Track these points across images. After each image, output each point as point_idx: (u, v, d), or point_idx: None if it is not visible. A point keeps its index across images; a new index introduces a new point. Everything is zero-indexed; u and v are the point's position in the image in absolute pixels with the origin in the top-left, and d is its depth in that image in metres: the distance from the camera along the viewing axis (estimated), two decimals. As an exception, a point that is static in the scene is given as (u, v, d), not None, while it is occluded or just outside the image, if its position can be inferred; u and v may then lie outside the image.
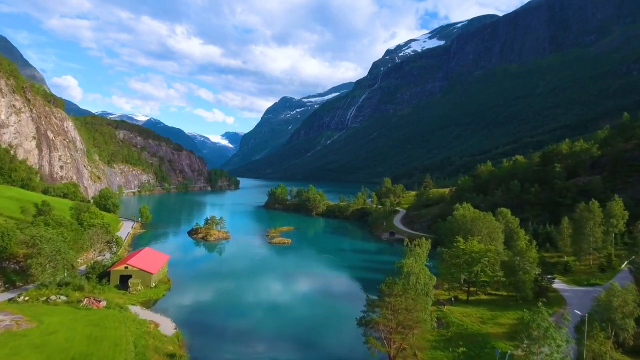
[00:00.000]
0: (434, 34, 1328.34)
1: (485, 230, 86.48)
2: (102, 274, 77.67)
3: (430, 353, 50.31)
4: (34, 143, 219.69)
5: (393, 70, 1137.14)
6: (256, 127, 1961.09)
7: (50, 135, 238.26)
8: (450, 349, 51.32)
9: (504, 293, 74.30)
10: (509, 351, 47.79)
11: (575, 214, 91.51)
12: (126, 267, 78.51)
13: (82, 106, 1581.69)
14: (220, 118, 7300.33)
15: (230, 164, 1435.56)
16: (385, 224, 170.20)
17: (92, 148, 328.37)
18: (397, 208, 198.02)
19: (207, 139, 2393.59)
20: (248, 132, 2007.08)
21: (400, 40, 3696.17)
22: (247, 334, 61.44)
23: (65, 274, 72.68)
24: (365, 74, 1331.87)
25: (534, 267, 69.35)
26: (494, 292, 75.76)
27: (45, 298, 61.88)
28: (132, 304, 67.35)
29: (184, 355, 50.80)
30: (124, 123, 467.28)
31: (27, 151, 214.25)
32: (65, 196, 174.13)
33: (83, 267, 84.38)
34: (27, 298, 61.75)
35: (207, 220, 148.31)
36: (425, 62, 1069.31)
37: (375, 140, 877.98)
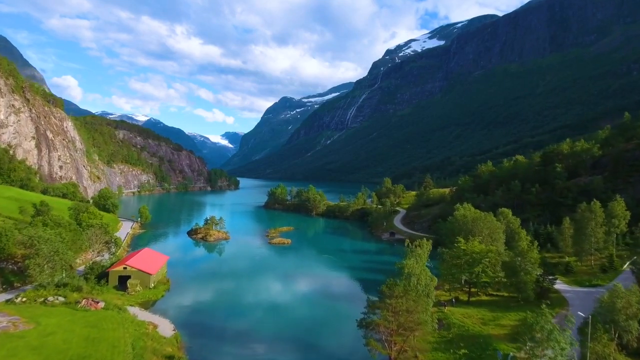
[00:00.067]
0: (434, 34, 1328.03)
1: (486, 230, 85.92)
2: (100, 275, 77.11)
3: (431, 355, 49.80)
4: (33, 143, 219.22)
5: (393, 70, 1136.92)
6: (256, 127, 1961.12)
7: (50, 135, 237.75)
8: (452, 351, 50.82)
9: (505, 294, 73.82)
10: (511, 353, 47.27)
11: (576, 214, 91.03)
12: (125, 268, 77.99)
13: (82, 106, 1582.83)
14: (220, 118, 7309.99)
15: (230, 164, 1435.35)
16: (385, 224, 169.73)
17: (92, 148, 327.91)
18: (397, 208, 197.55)
19: (207, 139, 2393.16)
20: (248, 132, 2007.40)
21: (400, 40, 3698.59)
22: (247, 335, 60.95)
23: (64, 275, 72.12)
24: (365, 74, 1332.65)
25: (535, 268, 68.86)
26: (495, 293, 75.25)
27: (43, 299, 61.33)
28: (130, 305, 66.84)
29: (182, 357, 50.30)
30: (124, 123, 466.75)
31: (27, 151, 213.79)
32: (64, 196, 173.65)
33: (82, 268, 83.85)
34: (24, 299, 61.20)
35: (206, 220, 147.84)
36: (425, 62, 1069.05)
37: (375, 140, 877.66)
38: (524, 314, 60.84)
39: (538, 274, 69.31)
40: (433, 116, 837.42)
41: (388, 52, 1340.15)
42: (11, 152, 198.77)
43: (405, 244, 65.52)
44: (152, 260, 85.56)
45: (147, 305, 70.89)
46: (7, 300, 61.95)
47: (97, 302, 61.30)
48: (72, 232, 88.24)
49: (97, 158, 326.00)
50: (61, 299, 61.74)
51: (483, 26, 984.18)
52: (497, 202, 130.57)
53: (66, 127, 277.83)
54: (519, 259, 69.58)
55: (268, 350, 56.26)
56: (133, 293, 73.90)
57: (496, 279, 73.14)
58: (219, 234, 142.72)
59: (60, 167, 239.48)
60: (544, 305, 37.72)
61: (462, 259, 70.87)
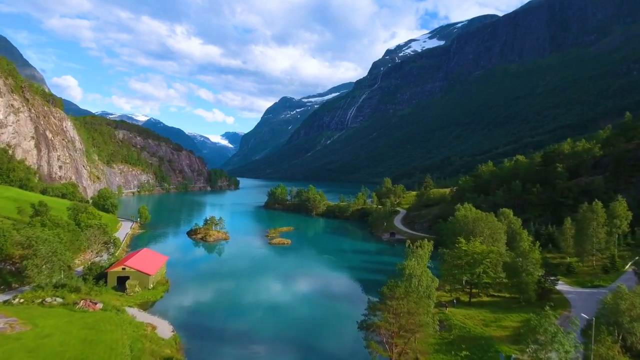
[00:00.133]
0: (434, 34, 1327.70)
1: (487, 231, 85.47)
2: (99, 276, 76.56)
3: (432, 357, 49.27)
4: (32, 143, 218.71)
5: (393, 70, 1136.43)
6: (256, 127, 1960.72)
7: (49, 135, 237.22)
8: (453, 353, 50.29)
9: (507, 295, 73.30)
10: (513, 355, 46.76)
11: (578, 214, 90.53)
12: (124, 269, 77.46)
13: (82, 106, 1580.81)
14: (220, 118, 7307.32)
15: (230, 164, 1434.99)
16: (385, 224, 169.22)
17: (92, 148, 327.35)
18: (398, 208, 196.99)
19: (207, 139, 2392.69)
20: (248, 132, 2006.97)
21: (400, 40, 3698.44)
22: (246, 336, 60.43)
23: (62, 275, 71.62)
24: (365, 74, 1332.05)
25: (537, 269, 68.35)
26: (496, 294, 74.74)
27: (40, 300, 60.85)
28: (129, 306, 66.34)
29: (181, 359, 49.83)
30: (124, 123, 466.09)
31: (26, 151, 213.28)
32: (63, 196, 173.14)
33: (80, 269, 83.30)
34: (22, 300, 60.72)
35: (206, 220, 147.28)
36: (425, 62, 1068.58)
37: (375, 140, 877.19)
38: (525, 315, 60.40)
39: (540, 274, 68.80)
40: (433, 116, 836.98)
41: (388, 52, 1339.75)
42: (10, 152, 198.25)
43: (406, 245, 64.94)
44: (151, 261, 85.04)
45: (146, 306, 70.36)
46: (5, 301, 61.46)
47: (95, 303, 60.80)
48: (70, 232, 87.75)
49: (96, 158, 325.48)
50: (59, 300, 61.23)
51: (483, 26, 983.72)
52: (498, 202, 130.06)
53: (66, 127, 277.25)
54: (521, 259, 69.06)
55: (268, 352, 55.75)
56: (132, 294, 73.37)
57: (497, 280, 72.66)
58: (219, 234, 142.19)
59: (60, 167, 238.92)
60: (547, 308, 37.14)
61: (463, 259, 70.39)
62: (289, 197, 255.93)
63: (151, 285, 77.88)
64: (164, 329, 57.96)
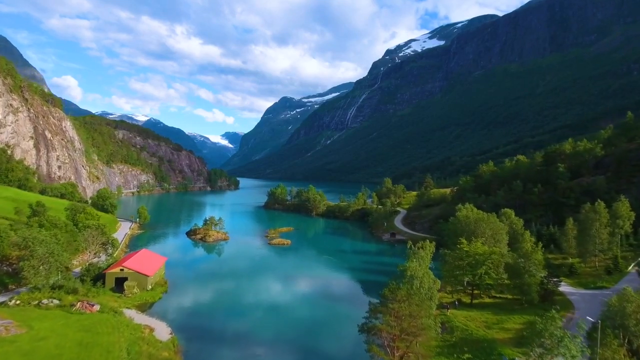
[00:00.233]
0: (434, 34, 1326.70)
1: (489, 231, 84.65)
2: (97, 277, 75.80)
3: (434, 360, 48.52)
4: (31, 143, 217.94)
5: (393, 70, 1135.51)
6: (256, 127, 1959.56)
7: (48, 135, 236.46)
8: (455, 356, 49.53)
9: (509, 296, 72.60)
10: (516, 358, 46.02)
11: (580, 214, 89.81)
12: (122, 269, 76.67)
13: (82, 106, 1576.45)
14: (220, 118, 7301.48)
15: (230, 164, 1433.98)
16: (386, 224, 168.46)
17: (91, 148, 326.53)
18: (398, 208, 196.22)
19: (207, 139, 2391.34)
20: (248, 132, 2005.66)
21: (400, 40, 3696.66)
22: (245, 338, 59.70)
23: (59, 277, 70.82)
24: (365, 74, 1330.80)
25: (540, 270, 67.62)
26: (498, 295, 74.01)
27: (37, 302, 60.08)
28: (127, 308, 65.53)
29: (179, 362, 49.06)
30: (123, 123, 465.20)
31: (25, 151, 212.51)
32: (62, 196, 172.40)
33: (78, 270, 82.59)
34: (18, 302, 59.95)
35: (205, 220, 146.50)
36: (425, 62, 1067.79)
37: (375, 140, 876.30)
38: (528, 317, 59.68)
39: (542, 276, 68.06)
40: (433, 116, 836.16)
41: (388, 52, 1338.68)
42: (9, 152, 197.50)
43: (408, 246, 64.18)
44: (149, 262, 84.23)
45: (144, 307, 69.55)
46: (1, 303, 60.72)
47: (92, 305, 60.02)
48: (68, 233, 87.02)
49: (96, 158, 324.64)
50: (56, 301, 60.49)
51: (483, 26, 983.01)
52: (499, 202, 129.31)
53: (65, 127, 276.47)
54: (523, 260, 68.31)
55: (267, 353, 55.03)
56: (130, 295, 72.55)
57: (499, 281, 71.93)
58: (218, 235, 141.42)
59: (59, 167, 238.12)
60: (553, 311, 36.36)
61: (465, 260, 69.63)
62: (288, 197, 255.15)
63: (150, 287, 77.08)
64: (162, 331, 57.15)
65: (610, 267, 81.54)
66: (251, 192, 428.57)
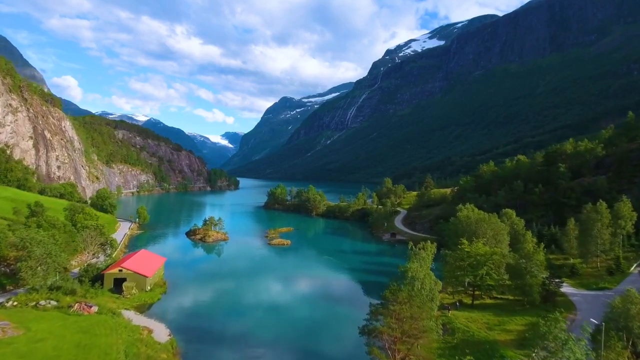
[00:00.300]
0: (434, 34, 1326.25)
1: (490, 232, 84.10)
2: (95, 277, 75.25)
3: (435, 362, 47.98)
4: (30, 143, 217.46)
5: (393, 70, 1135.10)
6: (256, 127, 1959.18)
7: (48, 135, 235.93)
8: (457, 358, 48.89)
9: (510, 297, 72.10)
10: (518, 360, 45.51)
11: (581, 215, 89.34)
12: (120, 270, 76.11)
13: (82, 106, 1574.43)
14: (220, 118, 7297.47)
15: (230, 164, 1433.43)
16: (386, 224, 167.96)
17: (91, 148, 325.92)
18: (398, 209, 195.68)
19: (207, 139, 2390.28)
20: (248, 132, 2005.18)
21: (400, 40, 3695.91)
22: (245, 340, 59.17)
23: (57, 278, 70.29)
24: (365, 74, 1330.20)
25: (541, 271, 67.10)
26: (499, 296, 73.51)
27: (34, 303, 59.54)
28: (125, 309, 64.98)
29: (177, 364, 48.55)
30: (123, 123, 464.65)
31: (24, 151, 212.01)
32: (62, 197, 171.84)
33: (76, 270, 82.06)
34: (15, 303, 59.41)
35: (205, 221, 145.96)
36: (425, 62, 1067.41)
37: (375, 140, 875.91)
38: (530, 318, 59.23)
39: (544, 276, 67.56)
40: (433, 116, 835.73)
41: (388, 52, 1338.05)
42: (8, 152, 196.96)
43: (409, 247, 63.64)
44: (148, 262, 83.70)
45: (143, 308, 68.98)
46: (-2, 304, 60.17)
47: (90, 307, 59.48)
48: (66, 233, 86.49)
49: (95, 158, 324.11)
50: (53, 303, 59.95)
51: (483, 26, 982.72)
52: (500, 202, 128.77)
53: (64, 126, 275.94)
54: (524, 261, 67.81)
55: (267, 355, 54.53)
56: (128, 296, 71.99)
57: (501, 282, 71.42)
58: (218, 235, 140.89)
59: (59, 167, 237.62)
60: (557, 313, 35.81)
61: (466, 261, 69.15)
62: (288, 198, 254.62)
63: (148, 287, 76.52)
64: (161, 333, 56.61)
65: (612, 268, 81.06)
66: (251, 192, 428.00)
